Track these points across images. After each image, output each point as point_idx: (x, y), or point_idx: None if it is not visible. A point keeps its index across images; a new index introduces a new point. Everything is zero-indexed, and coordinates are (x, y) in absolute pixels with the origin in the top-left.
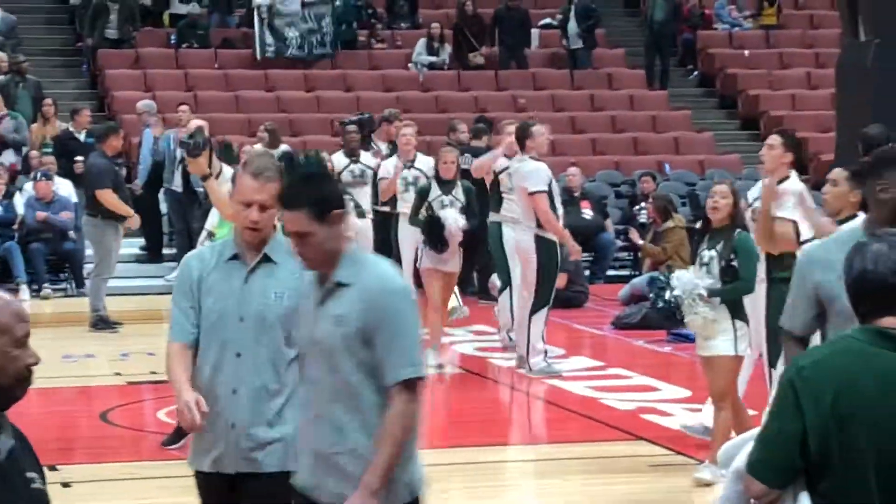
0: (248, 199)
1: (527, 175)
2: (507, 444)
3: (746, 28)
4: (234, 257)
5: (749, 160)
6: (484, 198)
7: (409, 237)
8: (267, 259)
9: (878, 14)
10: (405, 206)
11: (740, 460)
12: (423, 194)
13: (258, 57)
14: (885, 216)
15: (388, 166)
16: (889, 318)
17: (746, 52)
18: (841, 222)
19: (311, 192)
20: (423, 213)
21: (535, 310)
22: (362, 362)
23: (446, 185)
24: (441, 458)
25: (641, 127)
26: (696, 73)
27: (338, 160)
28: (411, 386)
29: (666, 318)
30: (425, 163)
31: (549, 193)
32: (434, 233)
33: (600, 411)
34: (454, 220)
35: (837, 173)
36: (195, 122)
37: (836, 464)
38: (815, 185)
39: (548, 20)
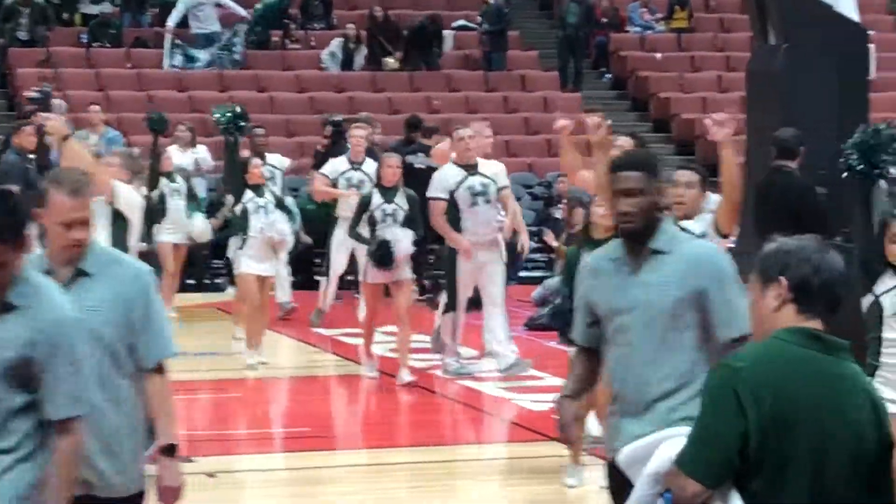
0: (70, 218)
1: (432, 181)
2: (420, 445)
3: (658, 31)
4: (47, 273)
5: (661, 162)
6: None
7: (343, 243)
8: (81, 273)
9: (788, 18)
10: (346, 209)
11: (656, 464)
12: (363, 205)
13: (165, 67)
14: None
15: (337, 165)
16: (814, 321)
17: (658, 55)
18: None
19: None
20: (365, 227)
21: (444, 311)
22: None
23: (388, 193)
24: (353, 459)
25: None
26: (608, 75)
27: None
28: (71, 425)
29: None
30: (373, 167)
31: (452, 200)
32: (383, 256)
33: (513, 412)
34: (403, 242)
35: (690, 176)
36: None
37: (770, 464)
38: None
39: (462, 22)
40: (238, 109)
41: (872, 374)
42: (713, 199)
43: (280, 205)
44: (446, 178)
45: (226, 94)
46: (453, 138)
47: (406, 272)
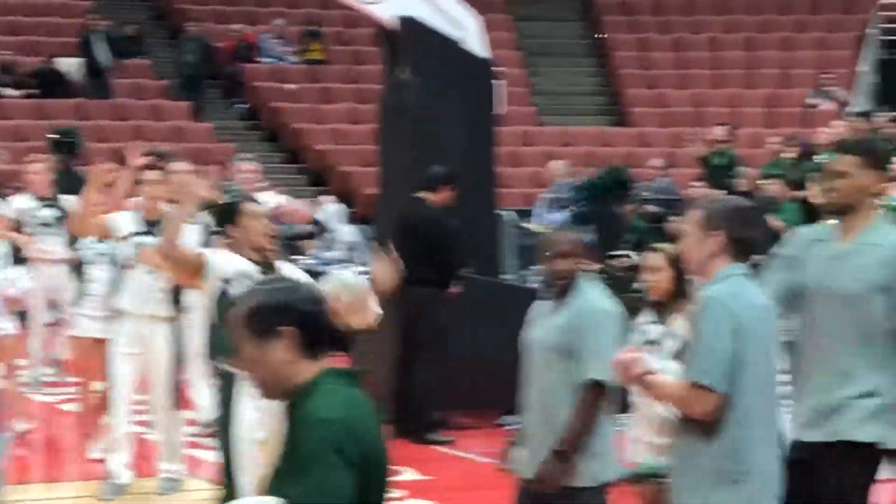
0: None
1: None
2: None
3: (292, 62)
4: None
5: (293, 193)
6: None
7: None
8: None
9: (418, 53)
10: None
11: None
12: None
13: None
14: None
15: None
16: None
17: (292, 87)
18: None
19: None
20: None
21: None
22: None
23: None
24: None
25: (187, 159)
26: (241, 105)
27: None
28: None
29: None
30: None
31: None
32: None
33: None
34: None
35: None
36: None
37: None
38: (362, 219)
39: None
40: None
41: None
42: None
43: None
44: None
45: None
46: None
47: None
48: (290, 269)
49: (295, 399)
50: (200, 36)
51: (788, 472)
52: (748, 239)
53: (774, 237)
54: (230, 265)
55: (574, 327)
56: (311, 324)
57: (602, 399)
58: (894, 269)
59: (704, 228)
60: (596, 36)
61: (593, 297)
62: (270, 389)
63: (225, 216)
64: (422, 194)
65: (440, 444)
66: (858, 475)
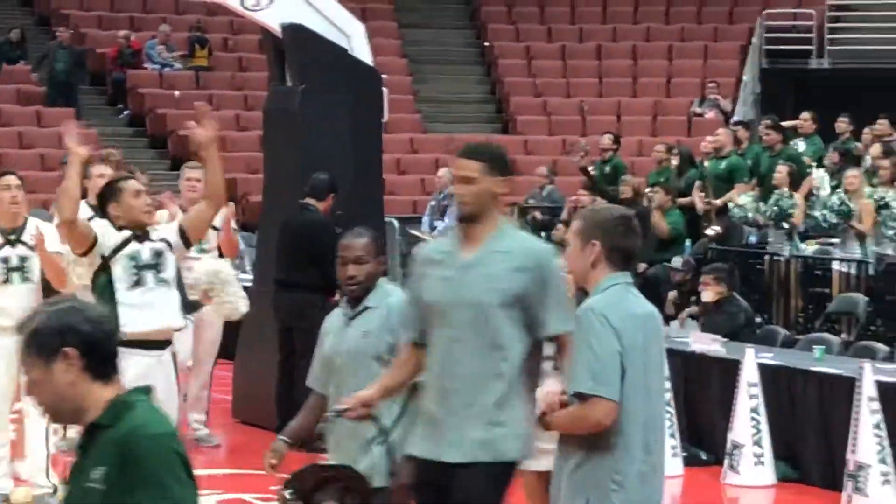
0: None
1: None
2: None
3: (177, 69)
4: None
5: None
6: None
7: None
8: None
9: (304, 60)
10: None
11: None
12: None
13: None
14: None
15: None
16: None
17: (177, 93)
18: None
19: None
20: None
21: None
22: None
23: None
24: None
25: None
26: (126, 111)
27: None
28: None
29: None
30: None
31: None
32: None
33: None
34: None
35: None
36: None
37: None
38: (245, 227)
39: None
40: None
41: None
42: None
43: None
44: None
45: None
46: None
47: None
48: (165, 231)
49: (101, 421)
50: (71, 44)
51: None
52: (626, 248)
53: (661, 244)
54: (112, 238)
55: (390, 330)
56: (95, 344)
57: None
58: (525, 277)
59: (583, 238)
60: (482, 44)
61: (399, 296)
62: (56, 412)
63: (107, 194)
64: (308, 201)
65: (324, 451)
66: (495, 494)
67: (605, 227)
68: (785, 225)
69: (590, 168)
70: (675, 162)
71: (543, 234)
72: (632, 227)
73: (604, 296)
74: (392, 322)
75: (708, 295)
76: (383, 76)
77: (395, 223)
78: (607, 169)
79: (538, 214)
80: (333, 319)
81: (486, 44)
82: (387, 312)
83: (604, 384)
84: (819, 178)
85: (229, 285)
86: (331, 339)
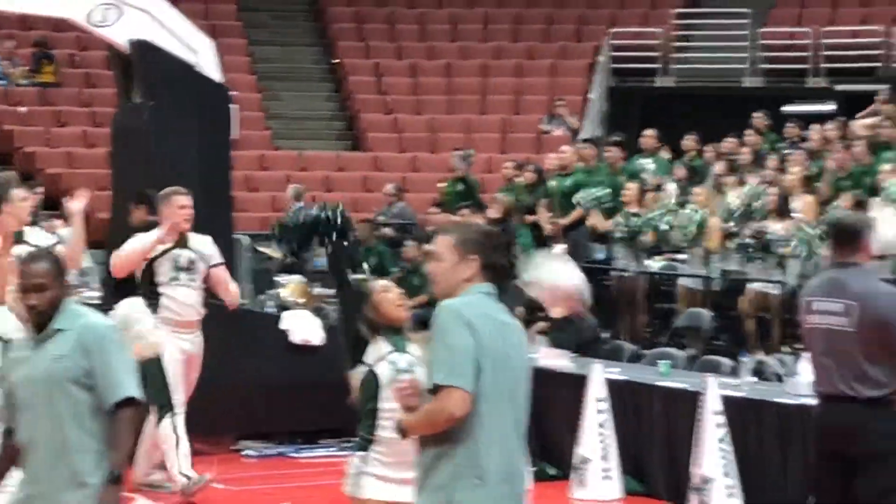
0: None
1: None
2: None
3: (23, 84)
4: None
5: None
6: None
7: None
8: None
9: (151, 77)
10: None
11: None
12: None
13: None
14: None
15: None
16: None
17: (22, 109)
18: None
19: None
20: None
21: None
22: None
23: None
24: None
25: None
26: None
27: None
28: None
29: None
30: None
31: None
32: None
33: None
34: None
35: None
36: None
37: None
38: (95, 244)
39: None
40: None
41: (365, 448)
42: None
43: None
44: None
45: None
46: None
47: None
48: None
49: None
50: None
51: None
52: (501, 264)
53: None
54: None
55: (85, 351)
56: None
57: (138, 414)
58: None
59: (460, 254)
60: (331, 61)
61: (91, 317)
62: None
63: None
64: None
65: None
66: None
67: (484, 243)
68: (636, 242)
69: (442, 184)
70: (526, 179)
71: (394, 250)
72: (503, 244)
73: (463, 297)
74: (86, 343)
75: (558, 311)
76: (232, 93)
77: (245, 240)
78: (460, 187)
79: (389, 231)
80: (17, 352)
81: (335, 61)
82: (78, 335)
83: (456, 375)
84: (667, 195)
85: (139, 323)
86: (20, 370)
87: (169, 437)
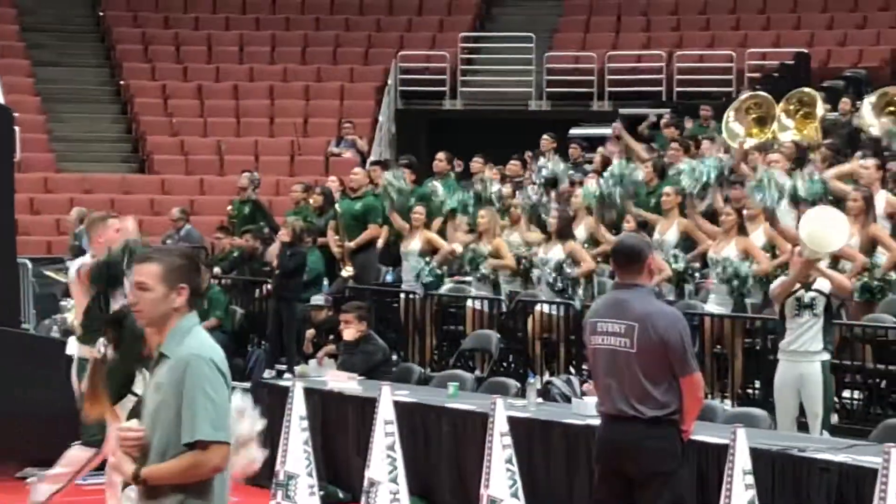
0: None
1: None
2: None
3: None
4: None
5: None
6: None
7: None
8: None
9: None
10: None
11: None
12: None
13: None
14: None
15: None
16: None
17: None
18: None
19: None
20: None
21: None
22: None
23: None
24: None
25: None
26: None
27: None
28: None
29: None
30: None
31: None
32: None
33: None
34: None
35: None
36: None
37: None
38: None
39: None
40: None
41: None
42: None
43: None
44: None
45: None
46: None
47: None
48: None
49: None
50: None
51: None
52: (201, 288)
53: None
54: None
55: None
56: None
57: None
58: None
59: (169, 283)
60: (117, 82)
61: None
62: None
63: None
64: None
65: None
66: None
67: (189, 270)
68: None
69: (229, 207)
70: (314, 202)
71: None
72: (200, 265)
73: (195, 338)
74: None
75: (349, 333)
76: (15, 114)
77: (29, 264)
78: (246, 210)
79: None
80: None
81: (121, 82)
82: None
83: (221, 429)
84: (460, 217)
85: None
86: None
87: None
